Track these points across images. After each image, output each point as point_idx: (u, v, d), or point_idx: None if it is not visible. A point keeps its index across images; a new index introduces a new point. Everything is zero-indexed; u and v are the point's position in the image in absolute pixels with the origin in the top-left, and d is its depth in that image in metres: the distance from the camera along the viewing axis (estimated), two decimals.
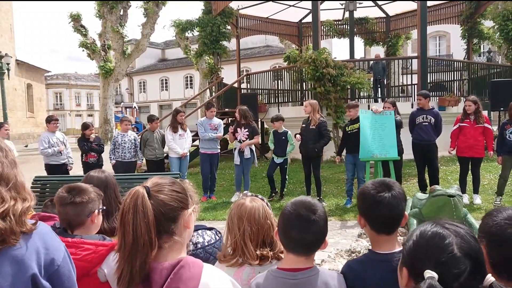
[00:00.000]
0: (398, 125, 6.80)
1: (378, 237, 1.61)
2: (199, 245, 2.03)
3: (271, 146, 7.56)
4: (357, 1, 13.72)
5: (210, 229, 2.20)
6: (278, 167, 7.53)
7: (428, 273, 0.99)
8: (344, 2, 14.14)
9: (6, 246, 1.14)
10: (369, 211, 1.61)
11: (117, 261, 1.23)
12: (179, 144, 7.91)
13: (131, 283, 1.19)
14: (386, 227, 1.60)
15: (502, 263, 1.12)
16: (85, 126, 7.97)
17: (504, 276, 1.14)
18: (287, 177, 7.72)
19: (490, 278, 1.02)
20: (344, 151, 7.17)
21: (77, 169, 8.54)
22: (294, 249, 1.57)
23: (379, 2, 15.21)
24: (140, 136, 8.61)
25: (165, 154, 8.55)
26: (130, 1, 20.84)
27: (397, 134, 6.80)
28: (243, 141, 7.36)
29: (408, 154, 7.39)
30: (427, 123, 6.96)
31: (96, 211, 1.96)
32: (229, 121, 12.66)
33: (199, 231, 2.12)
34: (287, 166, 7.55)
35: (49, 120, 7.63)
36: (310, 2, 11.39)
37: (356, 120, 6.82)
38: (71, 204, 1.89)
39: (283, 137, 7.39)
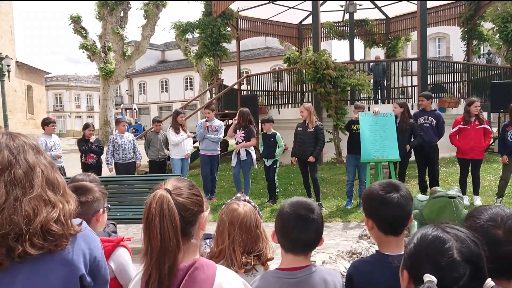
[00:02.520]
0: (409, 131, 6.82)
1: (386, 238, 1.62)
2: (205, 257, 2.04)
3: (260, 149, 7.55)
4: (357, 3, 13.74)
5: None
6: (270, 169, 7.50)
7: (427, 277, 0.99)
8: (344, 4, 14.17)
9: (59, 249, 1.18)
10: (378, 212, 1.61)
11: (144, 266, 1.24)
12: (180, 146, 7.96)
13: (160, 287, 1.19)
14: (394, 227, 1.61)
15: (494, 264, 1.12)
16: (85, 126, 8.04)
17: (500, 277, 1.14)
18: (276, 177, 7.62)
19: (490, 282, 1.02)
20: (346, 152, 7.17)
21: (76, 171, 8.55)
22: (294, 249, 1.59)
23: (379, 4, 15.24)
24: (144, 136, 8.67)
25: (167, 156, 8.59)
26: (130, 2, 20.84)
27: (407, 137, 6.80)
28: (240, 142, 7.39)
29: (412, 156, 7.37)
30: (428, 124, 6.96)
31: (101, 210, 2.00)
32: (229, 123, 12.66)
33: (207, 241, 2.12)
34: (276, 166, 7.49)
35: (48, 122, 7.50)
36: (310, 3, 11.42)
37: None
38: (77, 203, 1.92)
39: (272, 139, 7.39)
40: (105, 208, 2.03)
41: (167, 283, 1.19)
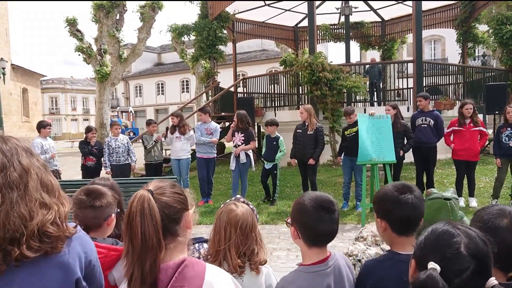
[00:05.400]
0: (402, 133, 6.83)
1: (399, 239, 1.64)
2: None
3: (263, 151, 7.53)
4: (353, 5, 13.79)
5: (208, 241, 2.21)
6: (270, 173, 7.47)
7: (431, 265, 1.03)
8: (339, 6, 14.21)
9: (55, 252, 1.18)
10: (393, 213, 1.63)
11: (125, 264, 1.24)
12: (175, 146, 7.93)
13: (143, 285, 1.20)
14: (408, 228, 1.63)
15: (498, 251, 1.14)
16: (88, 129, 8.12)
17: (499, 267, 1.18)
18: (278, 182, 7.64)
19: (493, 280, 1.04)
20: (342, 154, 7.18)
21: (72, 173, 8.52)
22: (321, 242, 1.66)
23: (375, 6, 15.30)
24: (140, 139, 8.71)
25: (163, 158, 8.58)
26: (127, 2, 20.82)
27: (400, 139, 6.81)
28: (239, 146, 7.35)
29: (407, 158, 7.39)
30: (426, 125, 6.96)
31: (113, 214, 1.98)
32: (225, 126, 12.65)
33: (196, 245, 2.12)
34: (276, 172, 7.44)
35: (44, 125, 7.52)
36: (306, 5, 11.44)
37: (355, 123, 6.83)
38: (91, 207, 1.90)
39: (274, 142, 7.34)
40: (116, 213, 2.02)
41: (149, 281, 1.20)
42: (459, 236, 1.07)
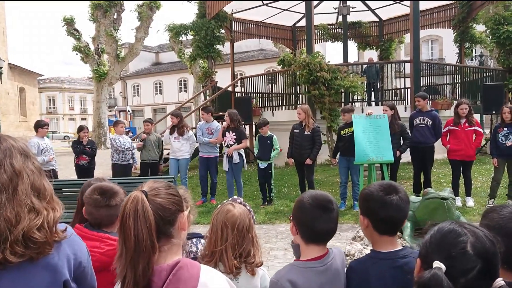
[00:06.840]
0: (399, 133, 6.83)
1: (380, 238, 1.64)
2: (191, 255, 2.04)
3: (255, 151, 7.50)
4: (350, 5, 13.79)
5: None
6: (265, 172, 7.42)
7: (436, 264, 1.01)
8: (337, 6, 14.22)
9: (41, 256, 1.17)
10: (376, 213, 1.63)
11: (118, 267, 1.22)
12: (174, 146, 7.90)
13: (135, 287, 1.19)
14: (391, 228, 1.64)
15: (505, 254, 1.14)
16: (80, 128, 8.13)
17: (504, 267, 1.16)
18: (273, 182, 7.59)
19: (500, 281, 1.03)
20: (338, 154, 7.19)
21: (68, 172, 8.51)
22: (319, 239, 1.67)
23: (372, 6, 15.31)
24: (140, 138, 8.70)
25: (158, 158, 8.54)
26: (124, 1, 20.79)
27: (397, 139, 6.82)
28: (231, 145, 7.27)
29: (404, 157, 7.40)
30: (423, 125, 6.97)
31: None
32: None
33: (194, 240, 2.13)
34: (271, 171, 7.40)
35: (42, 125, 7.48)
36: (304, 5, 11.43)
37: (351, 123, 6.83)
38: (106, 207, 1.96)
39: (268, 141, 7.31)
40: None
41: (142, 284, 1.18)
42: (465, 235, 1.05)
